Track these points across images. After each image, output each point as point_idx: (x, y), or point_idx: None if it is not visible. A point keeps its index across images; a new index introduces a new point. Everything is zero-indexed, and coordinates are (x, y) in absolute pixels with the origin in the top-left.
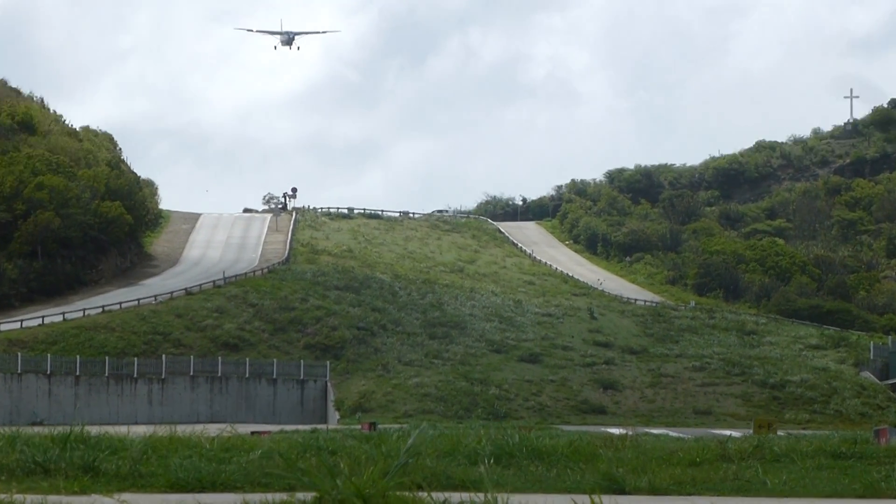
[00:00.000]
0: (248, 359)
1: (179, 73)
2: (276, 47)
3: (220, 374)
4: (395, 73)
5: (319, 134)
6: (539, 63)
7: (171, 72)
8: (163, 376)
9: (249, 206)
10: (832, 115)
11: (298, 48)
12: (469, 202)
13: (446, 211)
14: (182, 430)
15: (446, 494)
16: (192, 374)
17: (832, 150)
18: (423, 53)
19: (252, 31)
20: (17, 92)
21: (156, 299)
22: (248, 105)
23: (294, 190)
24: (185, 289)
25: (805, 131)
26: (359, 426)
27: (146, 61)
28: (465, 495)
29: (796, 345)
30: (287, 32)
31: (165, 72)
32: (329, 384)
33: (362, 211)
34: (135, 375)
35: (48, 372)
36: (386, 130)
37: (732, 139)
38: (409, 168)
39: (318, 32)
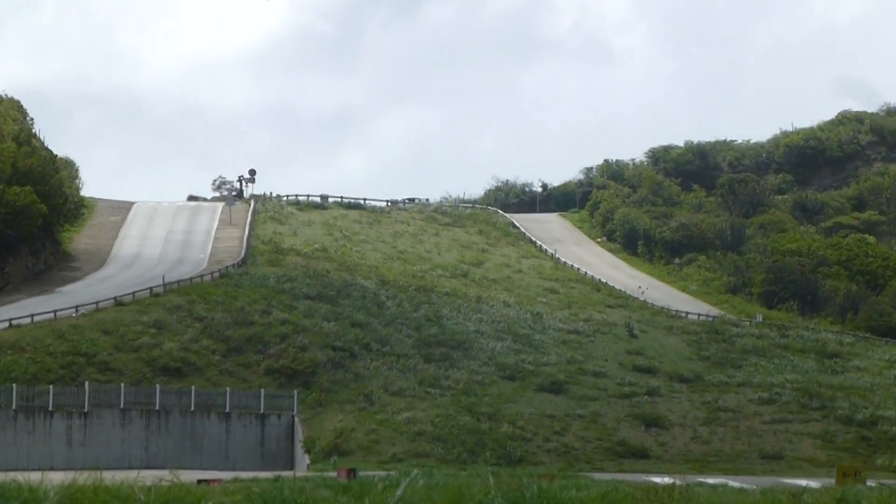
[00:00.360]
0: (193, 387)
1: (106, 23)
2: None
3: (158, 407)
4: (381, 25)
5: (284, 102)
6: (563, 11)
7: (95, 22)
8: (86, 409)
9: (196, 194)
10: None
11: None
12: (475, 189)
13: (446, 199)
14: (110, 477)
15: None
16: (122, 406)
17: None
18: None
19: None
20: None
21: (77, 311)
22: (194, 65)
23: (252, 172)
24: (115, 298)
25: None
26: (334, 473)
27: (63, 8)
28: None
29: (891, 371)
30: None
31: (88, 22)
32: (297, 419)
33: (339, 199)
34: (50, 408)
35: None
36: (369, 98)
37: (809, 109)
38: (398, 145)
39: None
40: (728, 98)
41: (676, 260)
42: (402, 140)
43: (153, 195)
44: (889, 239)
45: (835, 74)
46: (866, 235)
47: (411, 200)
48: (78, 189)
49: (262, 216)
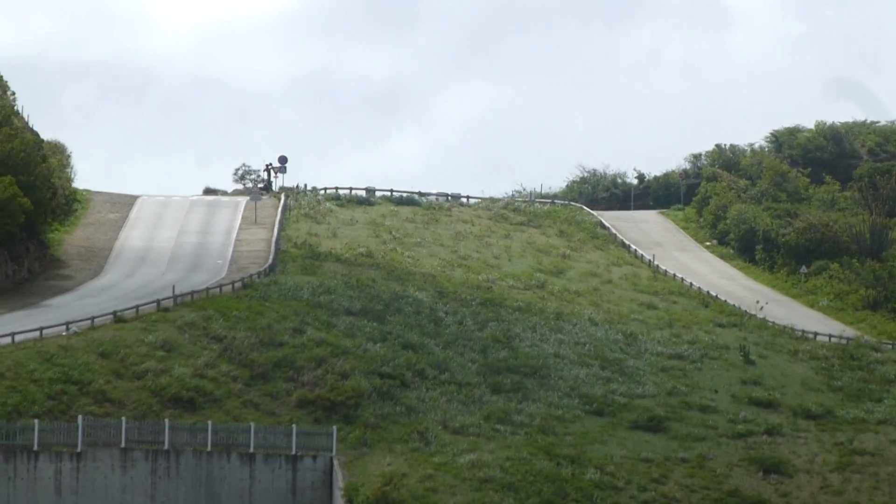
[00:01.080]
0: (210, 422)
1: None
2: None
3: (167, 447)
4: None
5: (323, 74)
6: None
7: None
8: (78, 449)
9: (213, 186)
10: None
11: None
12: (555, 180)
13: (519, 193)
14: None
15: None
16: (123, 445)
17: None
18: None
19: None
20: None
21: (68, 329)
22: (213, 28)
23: (283, 160)
24: (114, 312)
25: None
26: None
27: None
28: None
29: None
30: None
31: None
32: (336, 462)
33: (388, 193)
34: (35, 447)
35: None
36: (427, 69)
37: None
38: (461, 128)
39: None
40: (869, 67)
41: (803, 269)
42: (466, 121)
43: (162, 187)
44: None
45: None
46: None
47: (472, 196)
48: (69, 180)
49: (295, 213)
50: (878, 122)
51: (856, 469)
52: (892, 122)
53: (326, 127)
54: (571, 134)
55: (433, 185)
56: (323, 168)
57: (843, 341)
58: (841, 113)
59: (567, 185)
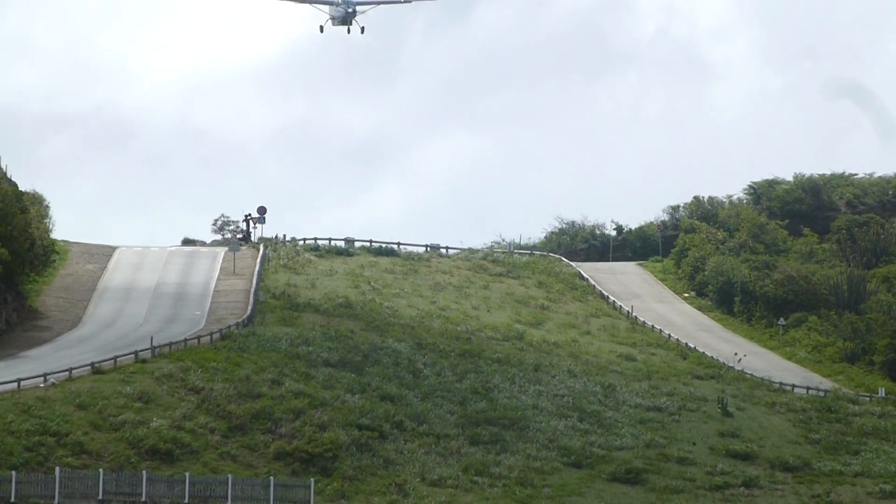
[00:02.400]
0: (188, 474)
1: (87, 28)
2: (321, 28)
3: (144, 499)
4: (423, 33)
5: (304, 126)
6: (645, 14)
7: (73, 27)
8: (56, 501)
9: (192, 236)
10: None
11: (363, 30)
12: (534, 232)
13: (498, 244)
14: None
15: None
16: (101, 497)
17: None
18: (467, 1)
19: None
20: None
21: (45, 380)
22: (194, 80)
23: (262, 211)
24: (92, 364)
25: None
26: None
27: (33, 9)
28: None
29: None
30: (346, 2)
31: (64, 26)
32: None
33: (367, 244)
34: (12, 499)
35: None
36: (407, 121)
37: None
38: (441, 179)
39: (397, 1)
40: (848, 121)
41: (781, 321)
42: (446, 172)
43: (140, 238)
44: None
45: None
46: None
47: (452, 247)
48: (48, 231)
49: (273, 264)
50: (855, 175)
51: None
52: (871, 174)
53: (307, 179)
54: (550, 186)
55: (413, 236)
56: (304, 220)
57: (821, 394)
58: (819, 165)
59: (546, 237)
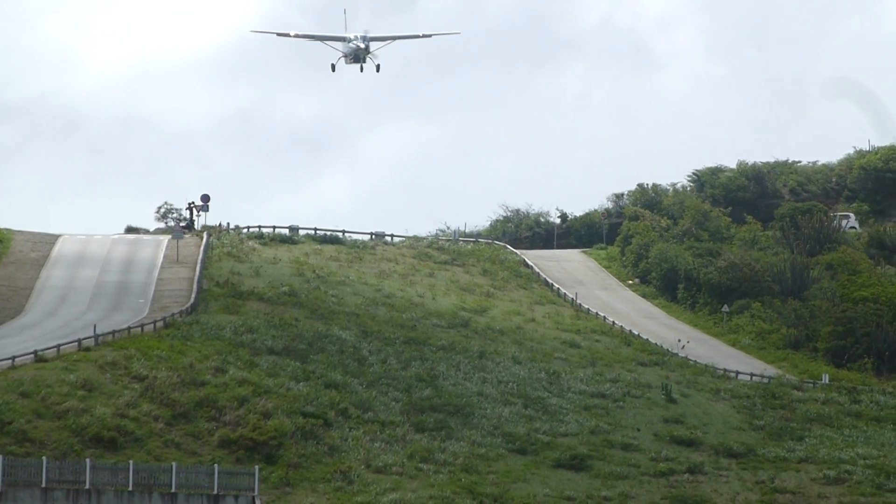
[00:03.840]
0: (132, 462)
1: (31, 17)
2: (333, 66)
3: (88, 486)
4: (369, 21)
5: (248, 114)
6: (590, 3)
7: (17, 15)
8: None
9: (135, 225)
10: None
11: (378, 67)
12: (479, 219)
13: (444, 232)
14: None
15: None
16: (44, 485)
17: None
18: None
19: (288, 35)
20: None
21: None
22: (139, 68)
23: (206, 199)
24: (34, 352)
25: None
26: None
27: None
28: None
29: None
30: (360, 38)
31: (7, 14)
32: (258, 502)
33: (312, 232)
34: None
35: None
36: (353, 110)
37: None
38: (388, 167)
39: (415, 37)
40: (793, 110)
41: (725, 308)
42: (393, 161)
43: (84, 226)
44: None
45: None
46: None
47: (397, 234)
48: None
49: (217, 252)
50: (799, 162)
51: None
52: (815, 162)
53: (253, 167)
54: (496, 174)
55: (360, 224)
56: (250, 208)
57: (765, 380)
58: (763, 153)
59: (490, 225)
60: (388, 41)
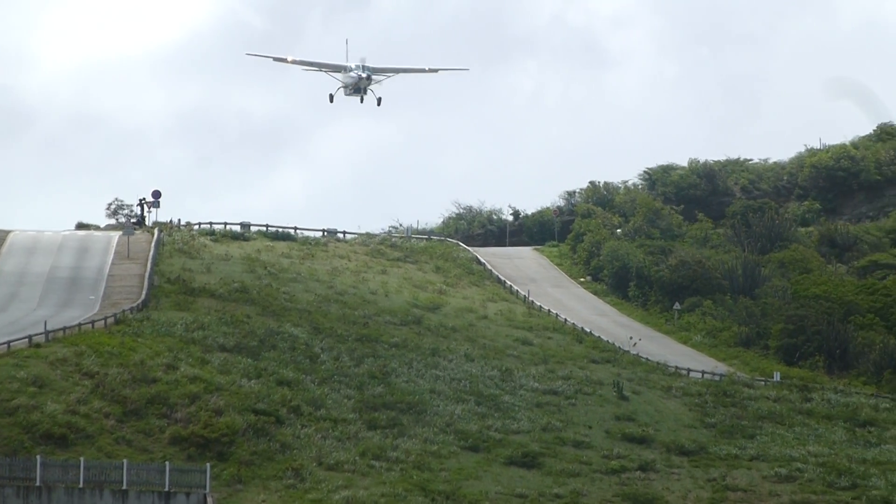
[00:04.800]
0: (82, 458)
1: None
2: (331, 96)
3: (38, 483)
4: (322, 19)
5: (203, 111)
6: (543, 1)
7: None
8: None
9: (86, 221)
10: None
11: (379, 101)
12: (431, 216)
13: (396, 229)
14: None
15: None
16: None
17: None
18: None
19: (285, 60)
20: None
21: None
22: (92, 66)
23: (156, 195)
24: None
25: None
26: None
27: None
28: None
29: None
30: (360, 67)
31: None
32: (210, 499)
33: (264, 229)
34: None
35: None
36: (307, 106)
37: (842, 122)
38: (341, 164)
39: (421, 70)
40: (744, 108)
41: (677, 305)
42: (346, 158)
43: (35, 223)
44: None
45: (875, 78)
46: None
47: (349, 231)
48: None
49: (168, 248)
50: (750, 160)
51: None
52: (765, 160)
53: (206, 164)
54: (448, 171)
55: (314, 221)
56: (202, 205)
57: (716, 378)
58: (715, 151)
59: (443, 222)
60: (392, 74)
